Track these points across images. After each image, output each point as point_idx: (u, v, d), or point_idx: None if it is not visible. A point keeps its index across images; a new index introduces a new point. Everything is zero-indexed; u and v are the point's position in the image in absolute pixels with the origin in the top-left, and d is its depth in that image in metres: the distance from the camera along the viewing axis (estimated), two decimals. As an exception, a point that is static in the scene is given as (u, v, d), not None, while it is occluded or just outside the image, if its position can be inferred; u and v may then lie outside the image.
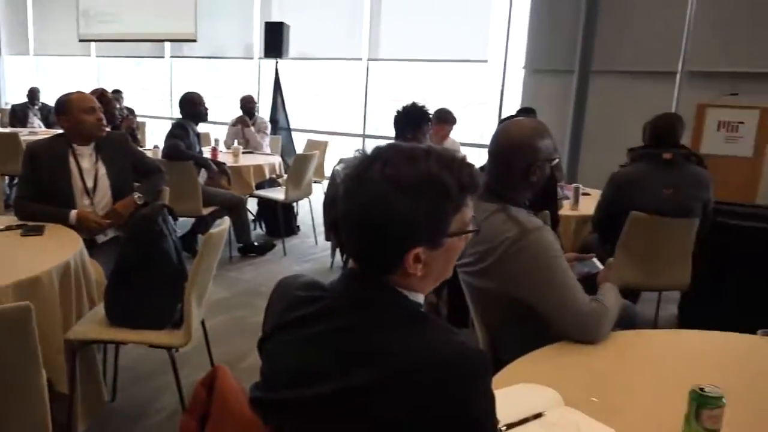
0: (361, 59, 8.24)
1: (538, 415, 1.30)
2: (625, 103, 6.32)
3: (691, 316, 3.51)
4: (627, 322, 2.05)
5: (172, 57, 10.25)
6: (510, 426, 1.26)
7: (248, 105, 6.34)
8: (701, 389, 1.22)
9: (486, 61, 7.42)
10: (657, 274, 3.12)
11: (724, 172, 5.02)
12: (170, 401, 2.69)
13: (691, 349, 1.73)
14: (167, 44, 10.09)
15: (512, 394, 1.38)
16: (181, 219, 3.53)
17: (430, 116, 3.57)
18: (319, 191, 5.78)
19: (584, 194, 3.90)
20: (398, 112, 3.48)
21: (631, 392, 1.46)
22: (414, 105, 3.48)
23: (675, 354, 1.69)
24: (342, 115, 8.78)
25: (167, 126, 5.04)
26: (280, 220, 5.28)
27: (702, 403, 1.21)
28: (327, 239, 5.17)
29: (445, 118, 4.77)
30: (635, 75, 6.39)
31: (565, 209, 3.58)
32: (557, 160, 1.84)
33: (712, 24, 5.92)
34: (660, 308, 3.70)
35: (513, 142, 1.77)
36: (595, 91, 6.52)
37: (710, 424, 1.20)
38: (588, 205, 3.55)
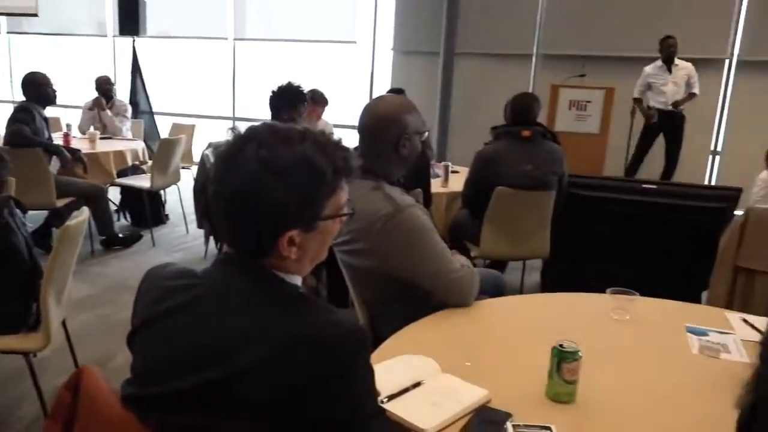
0: (226, 39, 7.94)
1: (417, 384, 1.35)
2: (488, 84, 6.66)
3: (552, 281, 3.80)
4: (496, 290, 2.19)
5: (9, 33, 9.25)
6: (391, 397, 1.29)
7: (105, 87, 5.88)
8: (561, 345, 1.33)
9: (354, 42, 7.46)
10: (520, 244, 3.35)
11: (575, 147, 5.45)
12: (30, 410, 2.47)
13: (551, 311, 1.88)
14: (3, 19, 9.09)
15: (393, 367, 1.42)
16: (32, 212, 3.22)
17: (306, 97, 3.54)
18: (188, 177, 5.53)
19: (453, 172, 4.07)
20: (273, 92, 3.43)
21: (500, 354, 1.57)
22: (290, 84, 3.44)
23: (537, 316, 1.83)
24: (209, 98, 8.43)
25: (9, 110, 4.56)
26: (147, 209, 4.98)
27: (562, 358, 1.32)
28: (199, 227, 4.98)
29: (317, 99, 4.75)
30: (496, 57, 6.74)
31: (436, 187, 3.72)
32: (427, 135, 1.90)
33: (563, 10, 6.39)
34: (525, 276, 3.97)
35: (380, 117, 1.81)
36: (460, 73, 6.80)
37: (569, 375, 1.32)
38: (457, 182, 3.71)
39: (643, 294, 1.95)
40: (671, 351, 1.63)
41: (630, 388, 1.43)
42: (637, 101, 5.70)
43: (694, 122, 6.08)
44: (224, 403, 0.90)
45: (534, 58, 6.60)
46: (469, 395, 1.30)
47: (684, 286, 3.67)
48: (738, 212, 3.27)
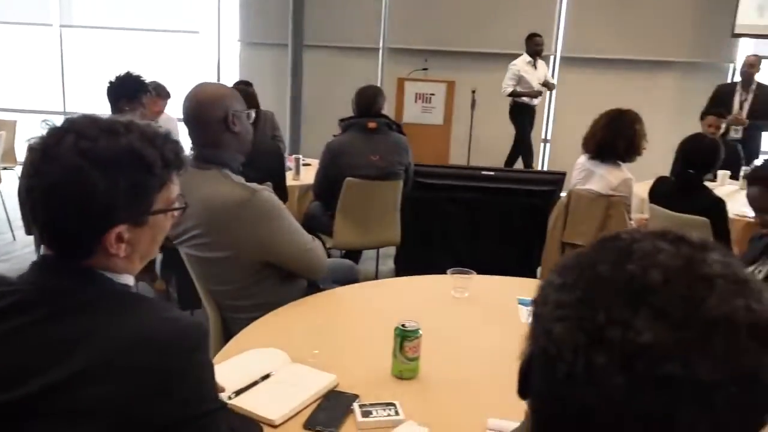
0: (51, 25, 7.24)
1: (266, 376, 1.35)
2: (338, 77, 6.72)
3: (404, 267, 3.96)
4: (348, 279, 2.24)
5: None
6: (239, 392, 1.28)
7: None
8: (403, 325, 1.40)
9: (197, 33, 7.16)
10: (372, 233, 3.44)
11: (422, 138, 5.70)
12: None
13: (397, 294, 1.96)
14: None
15: (242, 362, 1.41)
16: None
17: (148, 87, 3.35)
18: (11, 179, 4.98)
19: (305, 164, 4.08)
20: (111, 83, 3.20)
21: (348, 339, 1.61)
22: (129, 74, 3.23)
23: (383, 300, 1.90)
24: (34, 91, 7.63)
25: None
26: (-37, 215, 4.43)
27: (404, 337, 1.39)
28: (28, 233, 4.51)
29: (159, 92, 4.50)
30: (345, 50, 6.82)
31: (288, 180, 3.70)
32: (253, 115, 1.90)
33: (406, 5, 6.61)
34: (380, 264, 4.10)
35: (202, 101, 1.79)
36: (309, 65, 6.79)
37: (411, 353, 1.39)
38: (309, 175, 3.72)
39: (486, 272, 2.10)
40: (504, 322, 1.78)
41: (467, 358, 1.54)
42: (514, 94, 5.88)
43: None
44: (56, 413, 0.84)
45: (381, 52, 6.78)
46: (317, 382, 1.33)
47: (522, 262, 4.03)
48: (563, 194, 3.63)
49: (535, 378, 0.51)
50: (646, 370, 0.43)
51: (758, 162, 3.29)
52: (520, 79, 5.88)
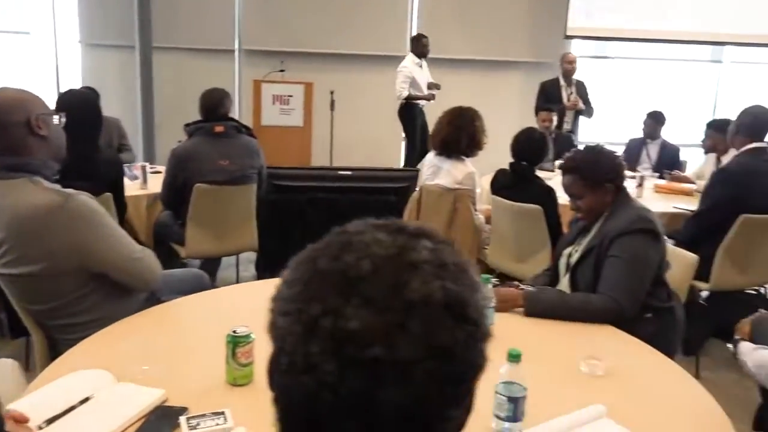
0: None
1: (85, 400, 1.27)
2: (192, 80, 6.43)
3: (266, 271, 3.90)
4: (196, 289, 2.17)
5: None
6: (51, 420, 1.20)
7: None
8: (234, 331, 1.38)
9: (28, 33, 6.57)
10: (227, 240, 3.36)
11: (282, 140, 5.67)
12: None
13: (236, 300, 1.93)
14: None
15: (57, 387, 1.32)
16: None
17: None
18: None
19: (155, 172, 3.89)
20: None
21: (180, 352, 1.56)
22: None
23: (222, 307, 1.86)
24: None
25: None
26: None
27: (235, 343, 1.37)
28: None
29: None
30: (198, 52, 6.59)
31: (135, 189, 3.53)
32: (63, 119, 1.79)
33: (260, 6, 6.52)
34: (242, 269, 4.01)
35: (1, 105, 1.66)
36: (160, 68, 6.47)
37: (244, 359, 1.38)
38: (158, 183, 3.55)
39: None
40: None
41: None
42: (410, 97, 5.84)
43: (388, 113, 6.80)
44: None
45: (236, 53, 6.63)
46: (142, 399, 1.27)
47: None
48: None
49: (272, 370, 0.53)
50: (354, 354, 0.46)
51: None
52: (411, 81, 5.85)
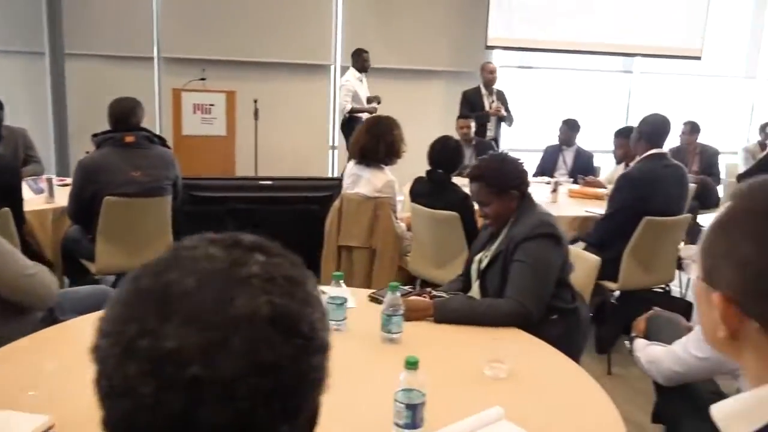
0: None
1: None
2: (110, 89, 6.15)
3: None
4: (101, 307, 2.07)
5: None
6: None
7: None
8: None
9: None
10: (141, 254, 3.23)
11: (205, 150, 5.54)
12: None
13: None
14: None
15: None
16: None
17: None
18: None
19: (65, 185, 3.72)
20: None
21: (75, 373, 1.48)
22: None
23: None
24: None
25: None
26: None
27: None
28: None
29: None
30: (114, 59, 6.35)
31: (41, 203, 3.37)
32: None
33: (179, 12, 6.36)
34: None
35: None
36: (73, 76, 6.19)
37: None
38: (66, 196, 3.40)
39: None
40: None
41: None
42: (353, 110, 5.88)
43: (314, 122, 6.79)
44: None
45: (156, 61, 6.43)
46: (22, 428, 1.20)
47: (307, 269, 4.10)
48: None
49: None
50: (172, 374, 0.45)
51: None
52: (354, 95, 5.94)
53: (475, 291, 2.22)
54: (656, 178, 3.14)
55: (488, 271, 2.15)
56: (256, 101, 5.83)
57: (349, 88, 5.93)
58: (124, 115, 3.09)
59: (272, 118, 6.22)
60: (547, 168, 5.32)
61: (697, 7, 6.99)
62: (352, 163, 3.50)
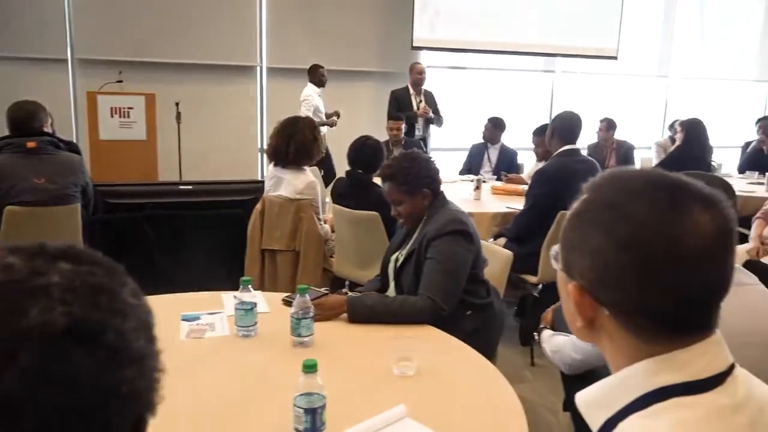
0: None
1: None
2: (19, 93, 5.88)
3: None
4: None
5: None
6: None
7: None
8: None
9: None
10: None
11: (125, 155, 5.33)
12: None
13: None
14: None
15: None
16: None
17: None
18: None
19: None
20: None
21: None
22: None
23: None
24: None
25: None
26: None
27: None
28: None
29: None
30: (25, 62, 6.03)
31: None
32: None
33: (96, 13, 6.10)
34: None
35: None
36: (-17, 79, 5.84)
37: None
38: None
39: (196, 287, 2.10)
40: (162, 341, 1.72)
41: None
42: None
43: (239, 122, 6.65)
44: None
45: (70, 64, 6.15)
46: None
47: (231, 274, 4.01)
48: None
49: None
50: None
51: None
52: (315, 109, 6.01)
53: (392, 291, 2.23)
54: (570, 173, 3.24)
55: (403, 270, 2.16)
56: (177, 104, 5.66)
57: (311, 102, 6.05)
58: (24, 119, 2.93)
59: (197, 120, 6.07)
60: (473, 166, 5.41)
61: (612, 10, 7.29)
62: (272, 164, 3.45)
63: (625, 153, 5.75)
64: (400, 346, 1.61)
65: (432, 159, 2.21)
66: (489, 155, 5.44)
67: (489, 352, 2.23)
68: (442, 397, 1.51)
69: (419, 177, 2.12)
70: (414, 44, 6.81)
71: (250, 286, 1.84)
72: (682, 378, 0.69)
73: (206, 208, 3.93)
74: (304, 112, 5.98)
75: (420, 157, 2.17)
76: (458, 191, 4.35)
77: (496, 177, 5.01)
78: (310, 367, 1.25)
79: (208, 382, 1.56)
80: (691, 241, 0.67)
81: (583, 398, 0.77)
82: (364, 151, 3.17)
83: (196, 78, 6.38)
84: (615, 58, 7.42)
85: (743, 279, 1.43)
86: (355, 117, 6.42)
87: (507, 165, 5.24)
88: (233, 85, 6.67)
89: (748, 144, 6.31)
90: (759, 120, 6.07)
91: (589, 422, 0.76)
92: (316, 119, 5.91)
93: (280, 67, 6.75)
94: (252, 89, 6.79)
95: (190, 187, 3.95)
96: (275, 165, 3.27)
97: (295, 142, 3.08)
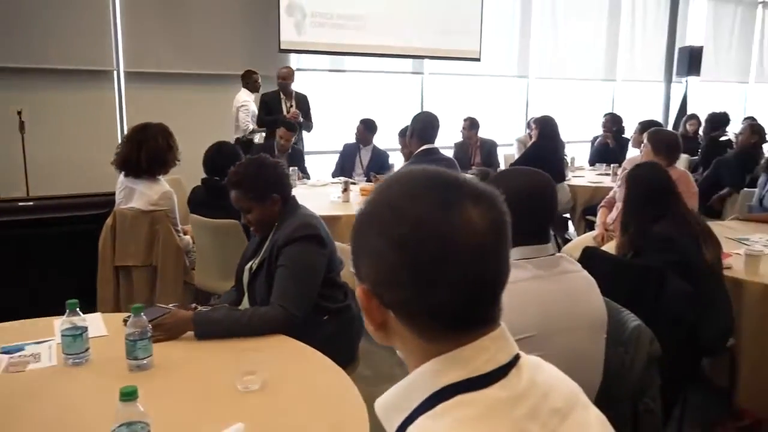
0: None
1: None
2: None
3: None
4: None
5: None
6: None
7: None
8: None
9: None
10: None
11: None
12: None
13: None
14: None
15: None
16: None
17: None
18: None
19: None
20: None
21: None
22: None
23: None
24: None
25: None
26: None
27: None
28: None
29: None
30: None
31: None
32: None
33: None
34: None
35: None
36: None
37: None
38: None
39: (50, 310, 1.92)
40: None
41: None
42: (255, 131, 5.80)
43: (95, 131, 6.19)
44: None
45: None
46: None
47: (86, 293, 3.70)
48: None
49: None
50: None
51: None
52: (253, 114, 5.84)
53: (246, 302, 2.15)
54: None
55: (256, 280, 2.09)
56: (20, 112, 5.17)
57: (249, 108, 5.89)
58: None
59: (44, 130, 5.59)
60: (346, 167, 5.41)
61: (473, 13, 7.62)
62: (122, 175, 3.22)
63: (488, 150, 6.01)
64: (245, 360, 1.54)
65: (281, 163, 2.15)
66: (361, 157, 5.47)
67: (349, 356, 2.22)
68: (287, 409, 1.46)
69: (267, 183, 2.06)
70: (281, 47, 6.71)
71: (77, 309, 1.68)
72: (465, 375, 0.69)
73: (53, 224, 3.62)
74: (243, 118, 5.87)
75: (267, 162, 2.10)
76: (328, 194, 4.33)
77: (366, 179, 5.04)
78: (128, 395, 1.15)
79: (25, 421, 1.40)
80: (462, 238, 0.67)
81: (380, 403, 0.75)
82: (220, 156, 3.05)
83: (42, 84, 5.86)
84: (478, 59, 7.76)
85: (567, 267, 1.51)
86: (222, 122, 6.19)
87: (379, 166, 5.28)
88: (87, 91, 6.20)
89: (596, 138, 6.84)
90: (603, 116, 6.62)
91: (386, 427, 0.74)
92: (253, 126, 5.88)
93: (140, 71, 6.38)
94: (109, 95, 6.36)
95: (31, 203, 3.61)
96: (126, 175, 3.06)
97: (146, 150, 2.89)
